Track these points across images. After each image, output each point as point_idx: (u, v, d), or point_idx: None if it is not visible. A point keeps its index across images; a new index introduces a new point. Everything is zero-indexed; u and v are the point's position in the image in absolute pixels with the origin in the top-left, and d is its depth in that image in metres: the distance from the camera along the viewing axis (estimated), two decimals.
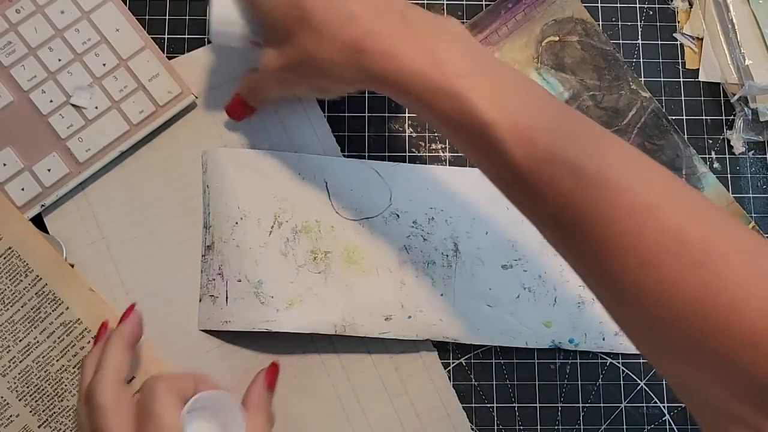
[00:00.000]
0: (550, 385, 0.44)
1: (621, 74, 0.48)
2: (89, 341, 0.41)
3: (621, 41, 0.49)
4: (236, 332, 0.42)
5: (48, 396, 0.41)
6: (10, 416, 0.40)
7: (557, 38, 0.48)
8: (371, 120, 0.47)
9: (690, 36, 0.49)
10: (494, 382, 0.44)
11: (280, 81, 0.39)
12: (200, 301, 0.43)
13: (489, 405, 0.44)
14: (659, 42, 0.49)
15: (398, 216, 0.44)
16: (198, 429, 0.35)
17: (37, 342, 0.41)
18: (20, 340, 0.41)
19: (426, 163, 0.46)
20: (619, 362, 0.45)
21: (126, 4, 0.46)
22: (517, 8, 0.48)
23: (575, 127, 0.31)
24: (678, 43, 0.49)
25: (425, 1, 0.48)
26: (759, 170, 0.48)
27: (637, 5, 0.49)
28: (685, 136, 0.48)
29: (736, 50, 0.48)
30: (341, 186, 0.44)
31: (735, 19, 0.48)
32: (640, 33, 0.49)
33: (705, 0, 0.49)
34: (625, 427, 0.44)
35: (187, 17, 0.47)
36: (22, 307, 0.41)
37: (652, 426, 0.44)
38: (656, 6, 0.50)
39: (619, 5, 0.49)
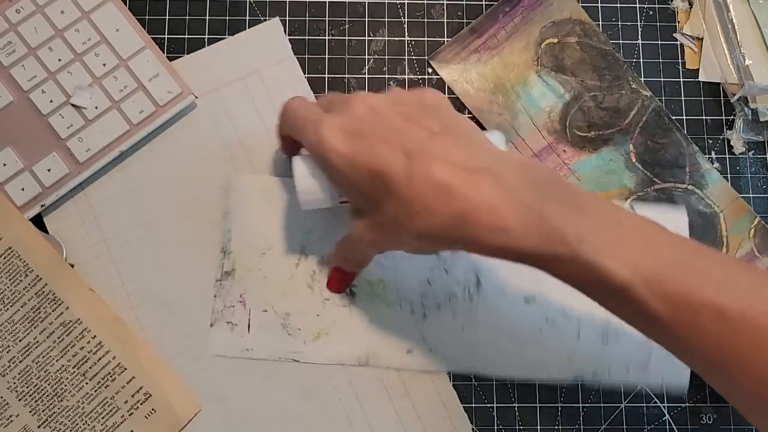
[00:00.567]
0: (550, 385, 0.44)
1: (621, 74, 0.48)
2: (89, 341, 0.41)
3: (621, 41, 0.49)
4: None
5: (48, 396, 0.41)
6: (10, 416, 0.40)
7: (556, 40, 0.48)
8: None
9: (690, 36, 0.49)
10: (494, 382, 0.44)
11: (373, 245, 0.37)
12: (212, 325, 0.43)
13: (489, 405, 0.44)
14: (659, 42, 0.49)
15: None
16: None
17: (37, 342, 0.41)
18: (20, 340, 0.41)
19: None
20: None
21: (126, 4, 0.46)
22: (515, 11, 0.48)
23: (702, 266, 0.30)
24: (678, 43, 0.49)
25: (425, 1, 0.49)
26: (759, 170, 0.48)
27: (637, 5, 0.49)
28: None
29: (736, 50, 0.48)
30: None
31: (735, 19, 0.48)
32: (640, 33, 0.49)
33: (705, 0, 0.49)
34: (625, 427, 0.44)
35: (187, 17, 0.47)
36: (21, 307, 0.41)
37: (652, 426, 0.44)
38: (656, 6, 0.50)
39: (619, 5, 0.49)
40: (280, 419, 0.39)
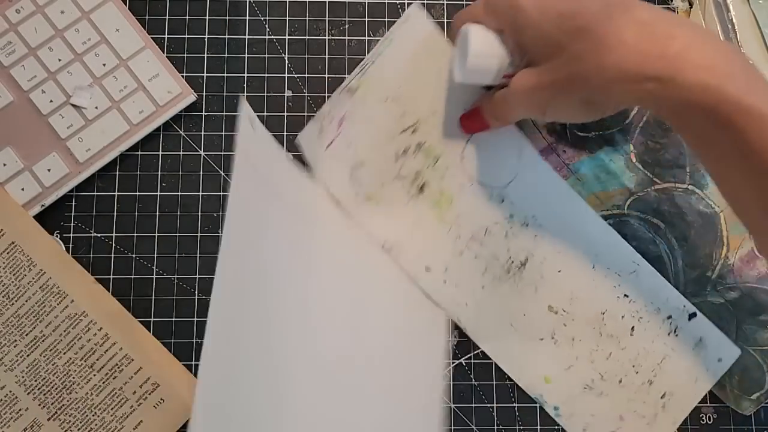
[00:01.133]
0: None
1: None
2: (95, 333, 0.42)
3: None
4: None
5: (56, 389, 0.41)
6: (19, 410, 0.40)
7: None
8: None
9: None
10: (494, 382, 0.44)
11: (532, 101, 0.36)
12: (312, 120, 0.44)
13: (489, 405, 0.44)
14: None
15: (503, 200, 0.43)
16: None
17: (43, 336, 0.41)
18: (26, 334, 0.41)
19: None
20: None
21: (126, 4, 0.46)
22: None
23: None
24: None
25: (425, 1, 0.48)
26: None
27: None
28: None
29: None
30: (483, 143, 0.43)
31: (735, 20, 0.48)
32: None
33: (705, 0, 0.49)
34: None
35: (187, 17, 0.47)
36: (26, 301, 0.41)
37: None
38: (656, 6, 0.49)
39: None
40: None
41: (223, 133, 0.46)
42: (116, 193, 0.45)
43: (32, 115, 0.43)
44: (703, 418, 0.44)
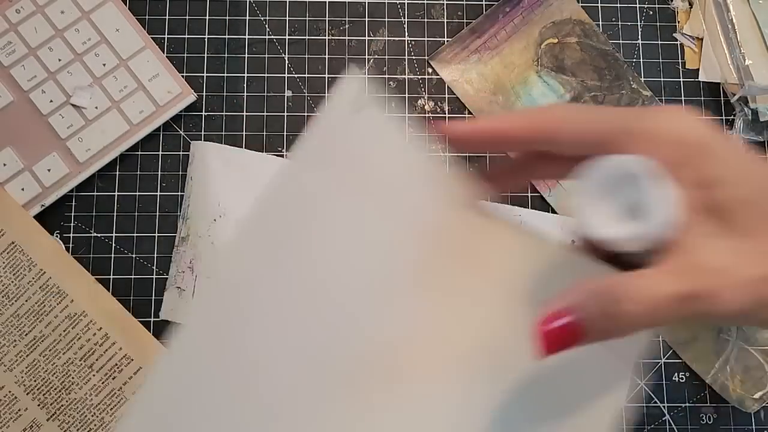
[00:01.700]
0: None
1: (621, 74, 0.48)
2: (94, 333, 0.41)
3: (621, 41, 0.49)
4: None
5: (55, 389, 0.41)
6: (18, 410, 0.40)
7: (556, 40, 0.48)
8: None
9: (690, 36, 0.49)
10: None
11: (675, 316, 0.21)
12: (166, 290, 0.43)
13: None
14: (659, 42, 0.49)
15: None
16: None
17: (43, 336, 0.41)
18: (26, 334, 0.41)
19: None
20: None
21: (126, 4, 0.46)
22: (515, 12, 0.48)
23: None
24: (678, 43, 0.49)
25: (425, 1, 0.48)
26: None
27: (637, 5, 0.49)
28: None
29: (736, 50, 0.48)
30: None
31: (735, 19, 0.48)
32: (640, 33, 0.49)
33: (705, 0, 0.49)
34: (625, 427, 0.44)
35: (187, 17, 0.47)
36: (26, 301, 0.41)
37: (652, 426, 0.44)
38: (656, 6, 0.50)
39: (619, 5, 0.49)
40: None
41: (223, 133, 0.46)
42: (116, 193, 0.45)
43: (32, 115, 0.43)
44: (704, 418, 0.44)
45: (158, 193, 0.45)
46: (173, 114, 0.45)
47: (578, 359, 0.25)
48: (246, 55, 0.47)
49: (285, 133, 0.46)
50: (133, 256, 0.44)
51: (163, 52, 0.46)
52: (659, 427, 0.44)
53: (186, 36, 0.47)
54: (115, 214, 0.45)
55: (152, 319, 0.44)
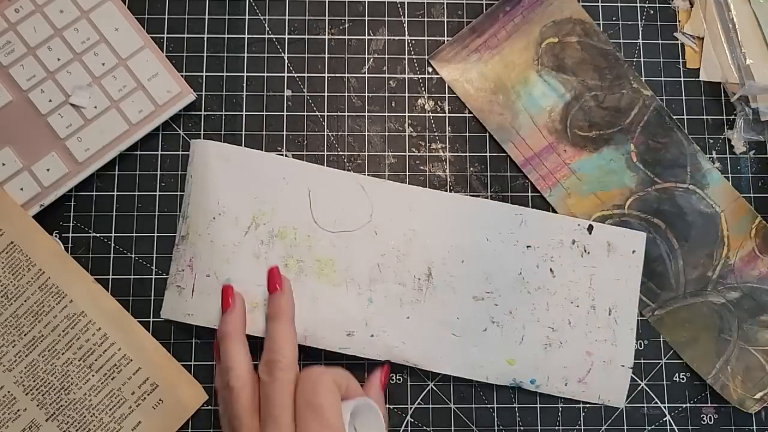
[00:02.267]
0: None
1: (622, 73, 0.48)
2: (94, 333, 0.41)
3: (622, 41, 0.49)
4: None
5: (54, 389, 0.41)
6: (18, 411, 0.40)
7: (556, 40, 0.48)
8: (371, 119, 0.47)
9: (691, 35, 0.49)
10: (494, 383, 0.44)
11: None
12: (167, 288, 0.43)
13: (489, 405, 0.44)
14: (660, 41, 0.49)
15: (376, 233, 0.44)
16: None
17: (42, 336, 0.41)
18: (25, 335, 0.41)
19: (426, 163, 0.46)
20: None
21: (125, 4, 0.46)
22: (516, 11, 0.48)
23: None
24: (679, 42, 0.49)
25: (425, 1, 0.48)
26: (760, 170, 0.47)
27: (638, 4, 0.49)
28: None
29: (737, 50, 0.48)
30: (324, 196, 0.44)
31: (736, 19, 0.48)
32: (640, 32, 0.49)
33: None
34: (625, 427, 0.44)
35: (187, 16, 0.47)
36: (25, 301, 0.41)
37: (653, 427, 0.44)
38: (657, 5, 0.49)
39: (619, 5, 0.49)
40: None
41: (223, 132, 0.46)
42: (115, 193, 0.45)
43: (31, 114, 0.43)
44: (704, 418, 0.44)
45: (157, 193, 0.45)
46: (172, 113, 0.45)
47: None
48: (245, 55, 0.47)
49: (284, 133, 0.46)
50: (133, 256, 0.44)
51: (163, 52, 0.46)
52: (660, 428, 0.44)
53: (185, 35, 0.47)
54: (114, 213, 0.45)
55: (151, 319, 0.43)
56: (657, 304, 0.45)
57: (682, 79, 0.48)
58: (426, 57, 0.48)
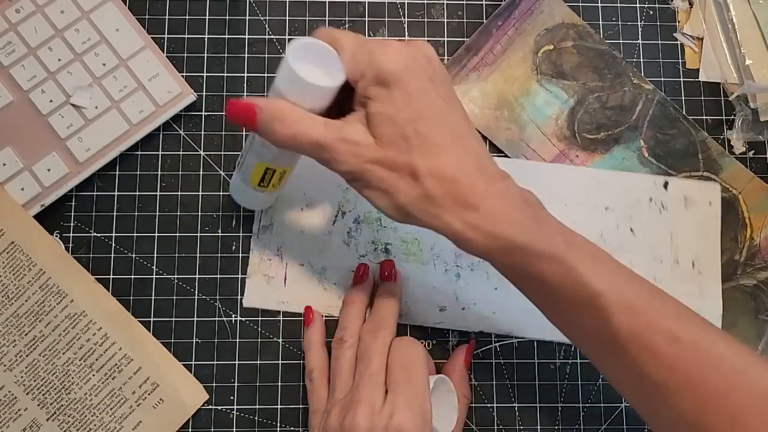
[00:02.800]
0: (550, 385, 0.44)
1: (621, 71, 0.48)
2: (94, 333, 0.41)
3: (621, 41, 0.49)
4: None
5: (55, 389, 0.41)
6: (18, 410, 0.40)
7: (552, 46, 0.48)
8: None
9: (690, 36, 0.49)
10: (494, 382, 0.44)
11: (307, 153, 0.35)
12: (248, 278, 0.44)
13: (489, 405, 0.44)
14: (659, 42, 0.49)
15: None
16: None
17: (43, 335, 0.41)
18: (26, 334, 0.41)
19: None
20: None
21: (126, 4, 0.46)
22: (508, 24, 0.48)
23: (664, 299, 0.34)
24: (678, 42, 0.49)
25: (425, 1, 0.48)
26: (759, 170, 0.48)
27: (638, 5, 0.49)
28: None
29: (737, 50, 0.48)
30: None
31: (735, 19, 0.48)
32: (640, 33, 0.49)
33: (705, 0, 0.49)
34: (625, 427, 0.44)
35: (187, 17, 0.47)
36: (26, 301, 0.41)
37: None
38: (656, 6, 0.50)
39: (619, 5, 0.49)
40: None
41: (223, 132, 0.46)
42: (116, 193, 0.45)
43: (32, 114, 0.43)
44: None
45: (158, 193, 0.45)
46: (173, 114, 0.45)
47: None
48: (246, 55, 0.47)
49: None
50: (133, 255, 0.44)
51: (163, 52, 0.46)
52: None
53: (186, 36, 0.47)
54: (114, 213, 0.45)
55: (152, 319, 0.44)
56: None
57: (681, 79, 0.49)
58: None
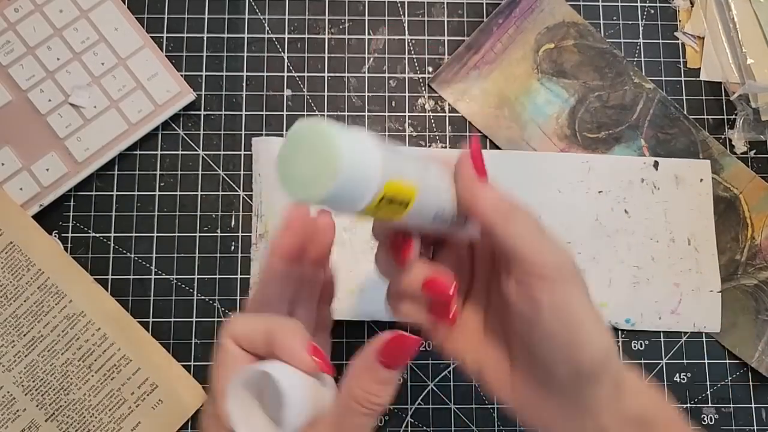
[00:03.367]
0: None
1: (622, 70, 0.48)
2: (93, 333, 0.41)
3: (622, 40, 0.49)
4: None
5: (54, 390, 0.41)
6: (17, 411, 0.40)
7: (553, 45, 0.48)
8: (371, 119, 0.47)
9: (691, 35, 0.49)
10: None
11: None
12: (251, 288, 0.44)
13: (489, 405, 0.44)
14: (660, 41, 0.49)
15: None
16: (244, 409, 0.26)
17: (42, 336, 0.41)
18: (24, 335, 0.41)
19: None
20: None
21: (125, 3, 0.46)
22: (508, 22, 0.48)
23: None
24: (679, 42, 0.49)
25: (425, 0, 0.48)
26: (760, 169, 0.47)
27: (638, 4, 0.49)
28: None
29: (738, 49, 0.47)
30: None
31: (736, 18, 0.48)
32: (641, 32, 0.49)
33: None
34: None
35: (186, 16, 0.47)
36: (24, 301, 0.41)
37: None
38: (657, 5, 0.49)
39: (620, 4, 0.49)
40: None
41: (222, 132, 0.46)
42: (115, 193, 0.45)
43: (31, 114, 0.43)
44: (705, 418, 0.44)
45: (157, 193, 0.45)
46: (172, 113, 0.45)
47: None
48: (245, 54, 0.47)
49: (284, 132, 0.46)
50: (132, 256, 0.44)
51: (162, 51, 0.46)
52: None
53: (185, 35, 0.47)
54: (113, 213, 0.45)
55: (151, 319, 0.43)
56: None
57: (682, 78, 0.48)
58: (426, 56, 0.48)
